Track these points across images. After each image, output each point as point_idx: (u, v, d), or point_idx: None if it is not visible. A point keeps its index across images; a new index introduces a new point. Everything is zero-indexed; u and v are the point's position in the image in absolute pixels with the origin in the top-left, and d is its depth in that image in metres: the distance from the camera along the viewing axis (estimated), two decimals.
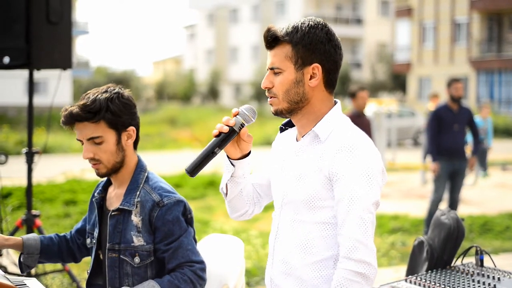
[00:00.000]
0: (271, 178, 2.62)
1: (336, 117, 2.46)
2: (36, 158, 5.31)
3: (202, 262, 2.94)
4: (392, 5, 49.27)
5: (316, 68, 2.41)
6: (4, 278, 2.63)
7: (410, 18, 42.09)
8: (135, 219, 2.93)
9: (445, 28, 39.89)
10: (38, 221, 5.31)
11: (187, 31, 69.92)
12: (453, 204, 8.41)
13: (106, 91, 2.96)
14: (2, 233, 5.63)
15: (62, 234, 3.24)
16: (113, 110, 2.90)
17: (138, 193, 2.96)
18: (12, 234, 5.36)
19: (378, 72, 48.43)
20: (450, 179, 8.38)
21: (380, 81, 47.82)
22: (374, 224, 2.34)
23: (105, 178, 3.12)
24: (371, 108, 15.45)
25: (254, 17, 55.38)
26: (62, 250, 3.20)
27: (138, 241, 2.92)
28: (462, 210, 9.98)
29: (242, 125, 2.47)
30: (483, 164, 13.79)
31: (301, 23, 2.42)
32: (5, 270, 5.34)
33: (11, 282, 2.63)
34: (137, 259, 2.92)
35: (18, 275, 5.15)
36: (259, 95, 44.13)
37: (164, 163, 17.04)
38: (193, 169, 2.40)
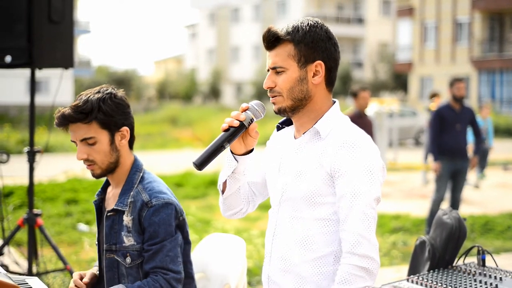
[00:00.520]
0: (267, 176, 2.63)
1: (336, 115, 2.49)
2: (37, 157, 5.31)
3: (180, 273, 2.90)
4: (394, 4, 49.27)
5: (319, 66, 2.44)
6: (6, 277, 2.64)
7: (411, 18, 42.07)
8: (126, 219, 2.93)
9: (446, 28, 39.87)
10: (40, 220, 5.31)
11: (188, 30, 69.93)
12: (455, 203, 8.41)
13: (98, 92, 2.95)
14: (3, 232, 5.64)
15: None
16: (105, 111, 2.90)
17: (131, 193, 2.96)
18: (14, 233, 5.36)
19: (380, 72, 48.42)
20: (452, 178, 8.37)
21: (381, 80, 47.80)
22: (376, 220, 2.37)
23: (105, 178, 3.12)
24: (372, 108, 15.44)
25: (256, 16, 55.39)
26: None
27: (128, 241, 2.92)
28: (464, 210, 9.98)
29: (252, 120, 2.47)
30: (483, 164, 13.78)
31: (301, 23, 2.45)
32: (6, 269, 5.34)
33: (13, 281, 2.63)
34: (128, 259, 2.91)
35: (20, 274, 5.16)
36: (261, 94, 44.12)
37: (166, 163, 17.05)
38: (202, 163, 2.40)
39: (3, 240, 5.60)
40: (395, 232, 8.69)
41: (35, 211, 5.32)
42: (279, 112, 2.47)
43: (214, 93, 55.50)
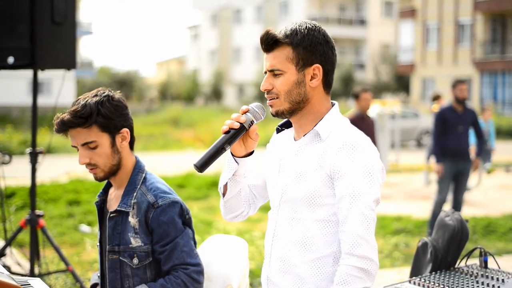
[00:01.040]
0: (267, 178, 2.64)
1: (336, 117, 2.50)
2: (39, 158, 5.32)
3: (199, 265, 2.93)
4: (396, 6, 49.28)
5: (317, 69, 2.45)
6: (9, 277, 2.64)
7: (413, 19, 42.06)
8: (132, 220, 2.93)
9: (448, 29, 39.86)
10: (42, 221, 5.32)
11: (190, 31, 69.97)
12: (457, 205, 8.40)
13: (96, 95, 2.94)
14: (5, 233, 5.65)
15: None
16: (104, 114, 2.89)
17: (135, 194, 2.96)
18: (16, 234, 5.37)
19: (382, 73, 48.40)
20: (454, 180, 8.37)
21: (383, 82, 47.79)
22: (375, 221, 2.39)
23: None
24: (374, 109, 15.44)
25: (258, 17, 55.40)
26: None
27: (135, 242, 2.92)
28: (466, 212, 9.97)
29: (252, 122, 2.48)
30: (488, 159, 13.73)
31: (299, 26, 2.46)
32: (9, 270, 5.35)
33: (16, 282, 2.63)
34: (135, 260, 2.92)
35: (22, 275, 5.16)
36: (262, 95, 44.00)
37: (168, 164, 17.06)
38: (203, 165, 2.40)
39: (5, 241, 5.61)
40: (397, 234, 8.68)
41: (37, 212, 5.32)
42: (277, 114, 2.48)
43: (216, 94, 55.51)
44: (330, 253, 2.43)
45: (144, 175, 3.03)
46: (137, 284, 2.92)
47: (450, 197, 8.61)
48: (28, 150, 5.30)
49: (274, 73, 2.46)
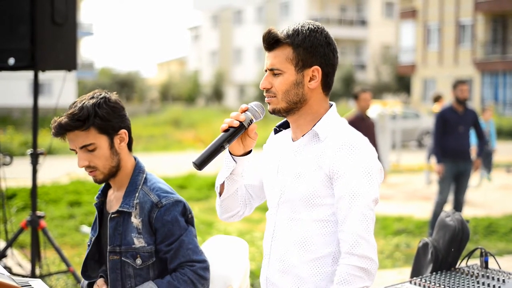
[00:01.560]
0: (264, 179, 2.64)
1: (334, 118, 2.52)
2: (40, 159, 5.32)
3: (204, 261, 2.94)
4: (397, 6, 49.26)
5: (316, 71, 2.46)
6: (10, 279, 2.64)
7: (414, 20, 42.05)
8: (135, 220, 2.93)
9: (449, 30, 39.85)
10: (43, 222, 5.32)
11: (191, 32, 69.98)
12: (458, 206, 8.40)
13: (92, 97, 2.94)
14: (7, 234, 5.65)
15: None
16: (101, 115, 2.89)
17: (137, 194, 2.96)
18: (17, 235, 5.37)
19: (383, 74, 48.40)
20: (455, 181, 8.37)
21: (384, 82, 47.78)
22: (374, 221, 2.40)
23: None
24: (375, 110, 15.45)
25: (258, 18, 55.40)
26: None
27: (139, 242, 2.93)
28: (467, 212, 9.97)
29: (251, 121, 2.49)
30: (488, 166, 13.76)
31: (301, 26, 2.46)
32: (10, 271, 5.35)
33: (17, 283, 2.63)
34: (138, 261, 2.93)
35: (23, 276, 5.16)
36: (263, 96, 43.86)
37: (169, 165, 17.06)
38: (201, 163, 2.40)
39: (7, 242, 5.61)
40: (398, 234, 8.68)
41: (38, 213, 5.33)
42: (274, 112, 2.50)
43: (217, 95, 55.52)
44: (329, 253, 2.44)
45: (145, 175, 3.03)
46: (139, 284, 2.92)
47: (451, 197, 8.60)
48: (29, 151, 5.30)
49: (273, 72, 2.47)
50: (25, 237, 7.28)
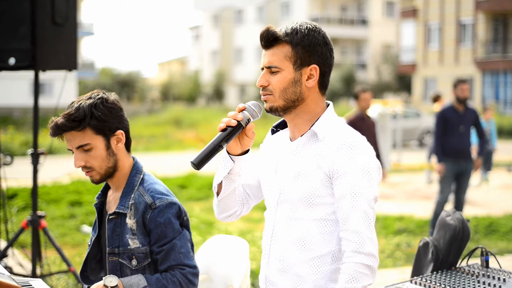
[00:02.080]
0: (262, 179, 2.65)
1: (332, 117, 2.53)
2: (41, 159, 5.32)
3: (195, 267, 2.92)
4: (397, 6, 49.23)
5: (314, 69, 2.47)
6: (10, 279, 2.64)
7: (415, 19, 42.03)
8: (130, 221, 2.93)
9: (450, 29, 39.83)
10: (44, 222, 5.32)
11: (192, 32, 69.98)
12: (459, 205, 8.39)
13: (90, 98, 2.94)
14: (7, 234, 5.65)
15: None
16: (97, 116, 2.89)
17: (132, 195, 2.96)
18: (18, 235, 5.37)
19: (383, 73, 48.39)
20: (456, 180, 8.36)
21: (385, 82, 47.77)
22: (374, 219, 2.43)
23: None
24: (376, 109, 15.44)
25: (259, 18, 55.40)
26: None
27: (133, 243, 2.92)
28: (467, 211, 9.96)
29: (249, 120, 2.49)
30: (488, 166, 13.76)
31: (300, 25, 2.48)
32: (10, 271, 5.35)
33: (17, 283, 2.63)
34: (134, 262, 2.92)
35: (24, 276, 5.17)
36: None
37: (169, 164, 17.05)
38: (200, 162, 2.41)
39: (7, 242, 5.61)
40: (399, 234, 8.68)
41: (39, 213, 5.33)
42: (271, 111, 2.50)
43: (218, 94, 55.53)
44: (328, 251, 2.46)
45: (141, 176, 3.02)
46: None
47: (451, 197, 8.60)
48: (30, 151, 5.30)
49: (271, 70, 2.48)
50: (26, 237, 7.28)
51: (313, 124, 2.49)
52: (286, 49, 2.45)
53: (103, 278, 2.82)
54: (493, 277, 2.87)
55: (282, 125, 2.65)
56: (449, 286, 2.83)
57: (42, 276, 5.43)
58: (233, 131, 2.45)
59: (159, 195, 2.95)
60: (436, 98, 12.54)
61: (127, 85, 51.78)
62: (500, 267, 3.03)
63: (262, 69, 2.51)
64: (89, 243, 3.13)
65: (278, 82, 2.46)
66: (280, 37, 2.45)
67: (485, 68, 37.94)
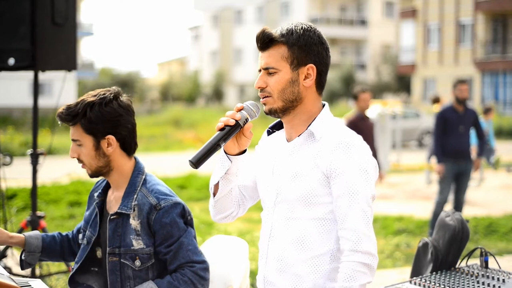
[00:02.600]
0: (259, 180, 2.65)
1: (328, 117, 2.54)
2: (41, 159, 5.32)
3: (204, 262, 2.93)
4: (397, 6, 49.24)
5: (311, 69, 2.49)
6: (9, 279, 2.64)
7: (414, 20, 42.04)
8: (134, 222, 2.92)
9: (449, 29, 39.85)
10: (43, 222, 5.32)
11: (191, 32, 69.99)
12: (458, 205, 8.39)
13: (95, 96, 2.94)
14: None
15: (64, 233, 3.23)
16: (88, 117, 2.89)
17: (135, 196, 2.95)
18: None
19: (383, 73, 48.40)
20: (455, 180, 8.37)
21: (384, 82, 47.78)
22: (372, 217, 2.44)
23: (105, 181, 3.11)
24: (375, 110, 15.44)
25: (259, 18, 55.41)
26: (64, 249, 3.19)
27: (137, 244, 2.91)
28: (467, 212, 9.97)
29: (246, 120, 2.50)
30: (491, 155, 13.73)
31: (295, 26, 2.50)
32: (9, 271, 5.35)
33: (16, 283, 2.63)
34: (137, 262, 2.92)
35: (23, 276, 5.16)
36: None
37: (169, 164, 17.07)
38: (198, 161, 2.41)
39: None
40: (398, 234, 8.68)
41: (39, 213, 5.33)
42: (270, 113, 2.51)
43: (217, 95, 55.53)
44: (327, 251, 2.46)
45: (144, 177, 3.01)
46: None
47: (451, 197, 8.60)
48: (29, 151, 5.30)
49: (268, 71, 2.49)
50: None
51: (309, 124, 2.50)
52: (282, 49, 2.47)
53: None
54: (493, 278, 2.87)
55: (278, 126, 2.66)
56: (448, 286, 2.83)
57: (42, 277, 5.43)
58: (231, 131, 2.45)
59: (163, 196, 2.94)
60: (436, 100, 12.57)
61: (126, 85, 51.72)
62: (500, 268, 3.03)
63: (260, 71, 2.52)
64: (84, 243, 3.07)
65: (276, 83, 2.47)
66: (276, 38, 2.47)
67: (484, 68, 37.95)
